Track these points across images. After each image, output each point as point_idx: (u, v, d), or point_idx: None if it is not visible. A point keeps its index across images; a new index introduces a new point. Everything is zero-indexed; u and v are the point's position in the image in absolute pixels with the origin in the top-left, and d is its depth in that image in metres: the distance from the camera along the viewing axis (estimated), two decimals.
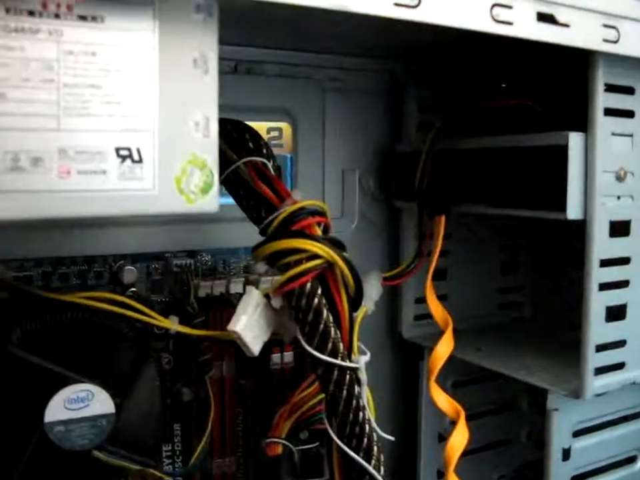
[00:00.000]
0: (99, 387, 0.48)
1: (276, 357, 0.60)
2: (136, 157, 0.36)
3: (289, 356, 0.61)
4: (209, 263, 0.61)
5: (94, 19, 0.35)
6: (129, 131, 0.36)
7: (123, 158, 0.36)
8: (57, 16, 0.34)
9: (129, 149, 0.36)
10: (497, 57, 0.63)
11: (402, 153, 0.69)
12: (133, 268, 0.57)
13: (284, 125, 0.65)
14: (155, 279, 0.59)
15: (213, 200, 0.38)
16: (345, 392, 0.46)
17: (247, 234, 0.49)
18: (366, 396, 0.48)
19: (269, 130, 0.64)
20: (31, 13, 0.34)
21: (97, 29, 0.35)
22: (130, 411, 0.50)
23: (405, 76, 0.71)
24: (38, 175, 0.34)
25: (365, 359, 0.49)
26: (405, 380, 0.75)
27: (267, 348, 0.58)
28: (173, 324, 0.51)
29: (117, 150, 0.36)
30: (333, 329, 0.46)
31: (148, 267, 0.59)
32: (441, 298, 0.69)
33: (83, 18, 0.35)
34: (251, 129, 0.52)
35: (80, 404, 0.47)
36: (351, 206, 0.71)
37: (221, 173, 0.50)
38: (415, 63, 0.70)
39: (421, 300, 0.68)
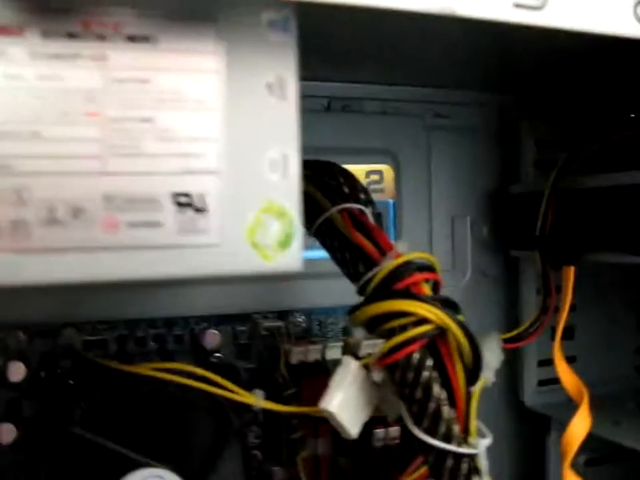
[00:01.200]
0: (171, 472, 0.41)
1: (379, 433, 0.52)
2: (198, 205, 0.29)
3: (394, 431, 0.52)
4: (303, 325, 0.54)
5: (145, 39, 0.29)
6: (189, 173, 0.29)
7: (182, 206, 0.29)
8: (101, 37, 0.28)
9: (189, 195, 0.29)
10: (623, 81, 0.55)
11: (518, 195, 0.60)
12: (216, 331, 0.51)
13: (385, 168, 0.58)
14: (241, 343, 0.52)
15: (295, 256, 0.31)
16: None
17: (347, 290, 0.42)
18: None
19: (368, 173, 0.57)
20: (71, 36, 0.28)
21: (150, 51, 0.29)
22: None
23: (518, 109, 0.62)
24: (79, 230, 0.28)
25: (485, 443, 0.40)
26: (528, 457, 0.65)
27: (370, 423, 0.51)
28: (257, 399, 0.44)
29: (175, 196, 0.29)
30: (446, 408, 0.39)
31: (234, 329, 0.52)
32: (569, 360, 0.60)
33: (132, 39, 0.29)
34: (345, 172, 0.45)
35: None
36: (462, 257, 0.62)
37: (312, 224, 0.45)
38: (528, 94, 0.61)
39: (546, 362, 0.60)
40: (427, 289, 0.40)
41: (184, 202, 0.29)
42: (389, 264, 0.40)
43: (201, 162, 0.29)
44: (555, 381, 0.53)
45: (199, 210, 0.29)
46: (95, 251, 0.28)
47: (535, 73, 0.55)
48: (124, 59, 0.29)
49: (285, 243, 0.30)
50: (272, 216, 0.30)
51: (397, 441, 0.53)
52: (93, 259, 0.28)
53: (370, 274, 0.40)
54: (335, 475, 0.53)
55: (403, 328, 0.38)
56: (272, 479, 0.51)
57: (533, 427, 0.64)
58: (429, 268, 0.40)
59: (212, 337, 0.50)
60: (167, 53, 0.29)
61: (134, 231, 0.29)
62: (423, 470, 0.49)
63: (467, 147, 0.62)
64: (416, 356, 0.38)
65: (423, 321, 0.38)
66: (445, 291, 0.55)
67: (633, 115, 0.64)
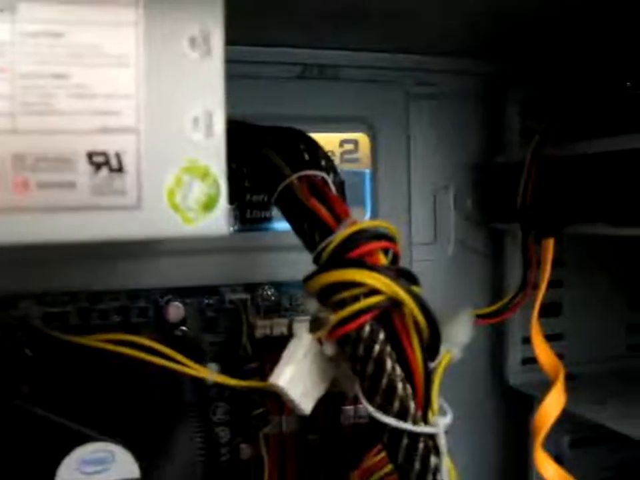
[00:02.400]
0: (121, 447, 0.40)
1: (348, 410, 0.50)
2: (114, 165, 0.28)
3: (364, 409, 0.50)
4: (272, 299, 0.52)
5: None
6: (106, 131, 0.28)
7: (98, 166, 0.28)
8: None
9: (105, 154, 0.28)
10: (617, 48, 0.52)
11: (502, 165, 0.58)
12: (180, 304, 0.49)
13: (360, 137, 0.56)
14: (209, 316, 0.51)
15: (219, 219, 0.29)
16: (417, 464, 0.37)
17: None
18: (447, 469, 0.38)
19: (342, 142, 0.55)
20: None
21: (63, 3, 0.27)
22: (161, 477, 0.41)
23: (503, 77, 0.60)
24: None
25: (444, 421, 0.39)
26: (511, 437, 0.63)
27: (339, 400, 0.50)
28: (210, 373, 0.42)
29: (90, 155, 0.28)
30: (400, 384, 0.37)
31: (200, 302, 0.51)
32: (555, 338, 0.59)
33: None
34: (307, 138, 0.44)
35: (98, 466, 0.40)
36: (444, 230, 0.61)
37: (273, 191, 0.43)
38: (513, 62, 0.59)
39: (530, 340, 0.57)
40: (383, 259, 0.38)
41: (99, 161, 0.28)
42: (343, 232, 0.38)
43: (118, 120, 0.28)
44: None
45: (115, 170, 0.28)
46: (5, 212, 0.27)
47: (521, 40, 0.53)
48: (35, 11, 0.27)
49: (208, 205, 0.29)
50: (194, 176, 0.28)
51: (367, 420, 0.51)
52: (3, 220, 0.27)
53: (324, 243, 0.39)
54: (303, 453, 0.52)
55: (355, 299, 0.37)
56: (239, 455, 0.50)
57: (517, 406, 0.62)
58: (386, 237, 0.38)
59: (176, 310, 0.49)
60: (82, 4, 0.28)
61: (46, 191, 0.27)
62: None
63: (450, 116, 0.60)
64: (367, 328, 0.36)
65: (374, 291, 0.36)
66: (426, 264, 0.53)
67: (628, 84, 0.61)
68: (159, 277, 0.50)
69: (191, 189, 0.29)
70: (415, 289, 0.37)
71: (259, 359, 0.49)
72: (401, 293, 0.36)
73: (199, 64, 0.29)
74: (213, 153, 0.29)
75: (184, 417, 0.45)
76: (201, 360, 0.45)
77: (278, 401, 0.48)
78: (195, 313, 0.51)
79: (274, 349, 0.48)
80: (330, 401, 0.48)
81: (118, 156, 0.28)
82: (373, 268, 0.37)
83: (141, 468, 0.41)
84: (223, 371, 0.45)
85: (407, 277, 0.37)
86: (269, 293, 0.52)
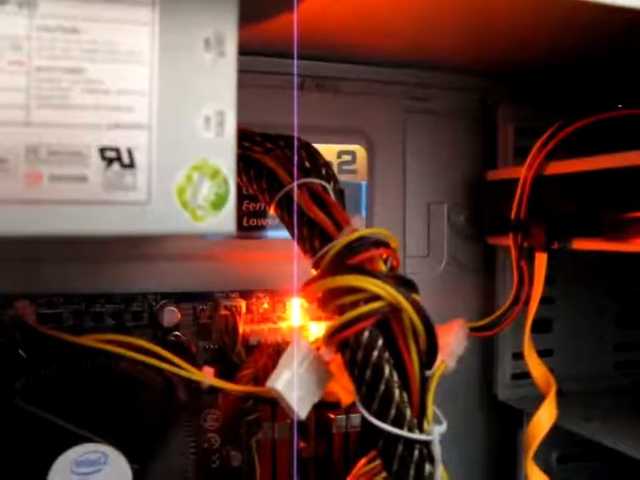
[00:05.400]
0: (114, 449, 0.40)
1: (340, 419, 0.51)
2: (126, 160, 0.28)
3: (355, 418, 0.51)
4: (265, 305, 0.52)
5: None
6: (118, 127, 0.28)
7: (110, 161, 0.28)
8: None
9: (117, 150, 0.28)
10: (612, 72, 0.53)
11: (496, 182, 0.58)
12: (174, 309, 0.49)
13: (358, 149, 0.56)
14: (202, 322, 0.51)
15: (228, 218, 0.29)
16: (412, 471, 0.37)
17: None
18: (441, 477, 0.38)
19: (340, 153, 0.56)
20: None
21: (81, 0, 0.28)
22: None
23: (499, 94, 0.61)
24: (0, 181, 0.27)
25: (440, 429, 0.39)
26: (500, 451, 0.63)
27: (329, 409, 0.50)
28: (205, 377, 0.42)
29: (102, 151, 0.28)
30: (397, 391, 0.37)
31: (195, 308, 0.51)
32: (545, 353, 0.59)
33: None
34: (308, 146, 0.44)
35: (90, 467, 0.40)
36: (438, 244, 0.61)
37: (272, 198, 0.44)
38: (508, 79, 0.60)
39: (520, 356, 0.57)
40: (382, 266, 0.39)
41: (111, 157, 0.28)
42: (343, 239, 0.38)
43: (131, 116, 0.28)
44: (529, 374, 0.51)
45: (126, 165, 0.28)
46: (17, 203, 0.27)
47: (517, 57, 0.54)
48: (53, 7, 0.27)
49: (216, 204, 0.29)
50: (204, 175, 0.29)
51: (358, 429, 0.51)
52: (14, 212, 0.27)
53: (325, 249, 0.39)
54: (293, 460, 0.52)
55: (355, 305, 0.37)
56: (229, 462, 0.50)
57: (506, 420, 0.62)
58: (385, 244, 0.39)
59: (170, 314, 0.49)
60: (99, 2, 0.28)
61: (58, 184, 0.27)
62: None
63: (446, 132, 0.60)
64: (366, 334, 0.37)
65: (374, 298, 0.37)
66: (418, 278, 0.54)
67: (620, 106, 0.62)
68: (154, 281, 0.50)
69: (201, 187, 0.29)
70: (414, 296, 0.37)
71: (252, 365, 0.48)
72: (401, 300, 0.36)
73: (212, 65, 0.29)
74: (223, 152, 0.29)
75: (176, 421, 0.45)
76: (193, 365, 0.45)
77: (271, 407, 0.48)
78: (189, 318, 0.50)
79: (268, 355, 0.48)
80: (321, 409, 0.49)
81: (130, 152, 0.28)
82: (374, 274, 0.37)
83: (133, 471, 0.41)
84: (217, 376, 0.45)
85: (406, 285, 0.38)
86: (264, 300, 0.52)
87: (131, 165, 0.28)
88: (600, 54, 0.52)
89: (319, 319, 0.49)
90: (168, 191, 0.28)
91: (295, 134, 0.44)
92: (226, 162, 0.29)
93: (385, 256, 0.39)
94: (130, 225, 0.28)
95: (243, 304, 0.51)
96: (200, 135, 0.29)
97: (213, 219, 0.29)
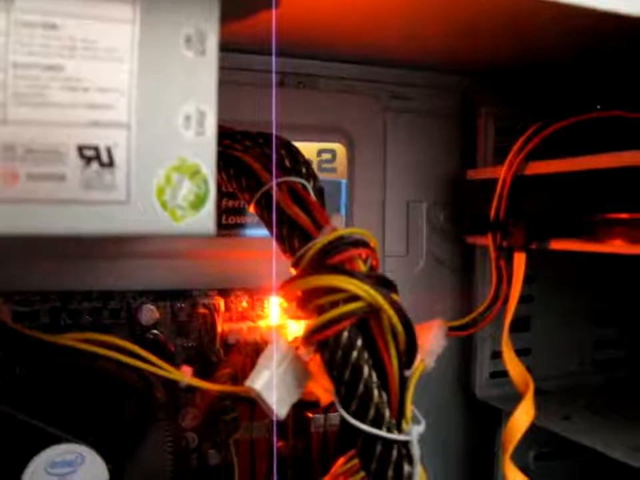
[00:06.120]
0: (90, 449, 0.39)
1: (318, 419, 0.50)
2: (105, 159, 0.28)
3: (333, 417, 0.51)
4: (243, 304, 0.52)
5: None
6: (97, 125, 0.28)
7: (88, 160, 0.28)
8: None
9: (96, 148, 0.28)
10: (592, 73, 0.53)
11: (476, 181, 0.58)
12: (152, 307, 0.49)
13: (338, 147, 0.56)
14: (180, 320, 0.51)
15: (207, 218, 0.29)
16: (390, 471, 0.37)
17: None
18: (419, 477, 0.38)
19: (320, 152, 0.56)
20: None
21: None
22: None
23: (479, 93, 0.61)
24: None
25: (418, 429, 0.39)
26: (478, 450, 0.63)
27: (308, 408, 0.50)
28: (183, 375, 0.42)
29: (81, 149, 0.27)
30: (376, 391, 0.37)
31: (173, 306, 0.50)
32: (524, 352, 0.60)
33: None
34: (288, 144, 0.44)
35: (65, 468, 0.39)
36: (417, 243, 0.61)
37: (252, 197, 0.43)
38: (489, 79, 0.60)
39: (499, 354, 0.57)
40: (362, 266, 0.39)
41: (90, 155, 0.28)
42: (322, 238, 0.38)
43: (110, 114, 0.28)
44: (507, 373, 0.51)
45: (105, 164, 0.28)
46: None
47: (498, 56, 0.54)
48: (31, 2, 0.27)
49: (196, 205, 0.29)
50: (183, 175, 0.28)
51: (337, 428, 0.51)
52: None
53: (304, 249, 0.39)
54: (272, 460, 0.51)
55: (334, 305, 0.37)
56: (207, 462, 0.50)
57: (485, 419, 0.62)
58: (364, 244, 0.39)
59: (148, 313, 0.48)
60: None
61: (35, 183, 0.27)
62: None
63: (426, 131, 0.61)
64: (345, 335, 0.37)
65: (353, 298, 0.37)
66: (397, 277, 0.54)
67: (598, 107, 0.63)
68: (132, 279, 0.50)
69: (180, 187, 0.29)
70: (393, 296, 0.37)
71: (231, 364, 0.48)
72: (381, 300, 0.36)
73: (193, 63, 0.29)
74: (203, 152, 0.29)
75: (154, 420, 0.44)
76: (171, 364, 0.45)
77: (249, 406, 0.48)
78: (167, 316, 0.50)
79: (246, 354, 0.48)
80: (299, 408, 0.48)
81: (109, 150, 0.28)
82: (353, 274, 0.37)
83: (110, 471, 0.41)
84: (195, 375, 0.45)
85: (385, 285, 0.38)
86: (242, 298, 0.52)
87: (110, 164, 0.28)
88: (581, 55, 0.52)
89: (297, 317, 0.49)
90: (147, 191, 0.28)
91: (274, 132, 0.44)
92: (206, 162, 0.29)
93: (364, 256, 0.39)
94: (109, 225, 0.28)
95: (221, 302, 0.51)
96: (180, 134, 0.29)
97: (192, 220, 0.29)
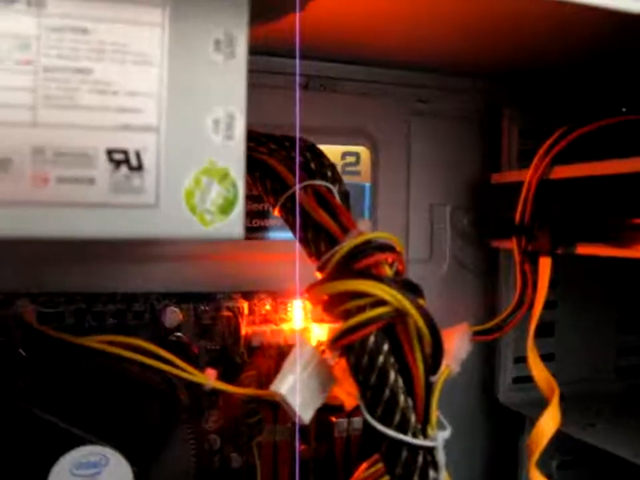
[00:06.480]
0: (114, 451, 0.39)
1: (341, 423, 0.50)
2: (134, 163, 0.28)
3: (357, 422, 0.50)
4: (267, 307, 0.52)
5: None
6: (127, 129, 0.28)
7: (117, 163, 0.28)
8: None
9: (125, 152, 0.28)
10: (617, 75, 0.53)
11: (500, 185, 0.58)
12: (176, 309, 0.49)
13: (362, 150, 0.56)
14: (204, 323, 0.50)
15: (236, 222, 0.29)
16: (416, 477, 0.36)
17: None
18: None
19: (344, 155, 0.55)
20: None
21: (90, 0, 0.27)
22: None
23: (504, 96, 0.60)
24: (6, 182, 0.26)
25: (444, 435, 0.38)
26: (501, 456, 0.63)
27: (331, 412, 0.50)
28: (207, 378, 0.42)
29: (110, 153, 0.27)
30: (402, 396, 0.37)
31: (196, 309, 0.50)
32: (547, 358, 0.59)
33: None
34: (313, 147, 0.44)
35: (91, 470, 0.39)
36: (440, 247, 0.61)
37: (277, 200, 0.43)
38: (514, 82, 0.59)
39: (522, 359, 0.57)
40: (388, 271, 0.38)
41: (119, 159, 0.28)
42: (349, 242, 0.38)
43: (139, 118, 0.28)
44: (531, 379, 0.51)
45: (134, 168, 0.28)
46: (23, 205, 0.27)
47: (522, 59, 0.54)
48: (62, 6, 0.27)
49: (225, 209, 0.29)
50: (213, 179, 0.28)
51: (360, 432, 0.51)
52: (20, 214, 0.27)
53: (330, 252, 0.39)
54: (294, 464, 0.51)
55: (361, 309, 0.37)
56: (229, 464, 0.50)
57: (508, 425, 0.62)
58: (391, 248, 0.39)
59: (172, 315, 0.48)
60: (109, 2, 0.27)
61: (65, 186, 0.27)
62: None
63: (450, 134, 0.60)
64: (372, 339, 0.36)
65: (380, 302, 0.36)
66: (421, 281, 0.53)
67: (624, 109, 0.62)
68: (156, 281, 0.50)
69: (209, 191, 0.29)
70: (420, 301, 0.37)
71: (255, 367, 0.48)
72: (407, 305, 0.36)
73: (222, 67, 0.29)
74: (232, 155, 0.29)
75: (177, 423, 0.44)
76: (195, 366, 0.45)
77: (272, 409, 0.48)
78: (190, 319, 0.50)
79: (270, 357, 0.48)
80: (323, 412, 0.48)
81: (138, 154, 0.28)
82: (380, 279, 0.37)
83: (134, 473, 0.41)
84: (219, 378, 0.45)
85: (412, 289, 0.37)
86: (266, 301, 0.52)
87: (139, 168, 0.28)
88: (606, 57, 0.51)
89: (322, 321, 0.49)
90: (176, 195, 0.28)
91: (297, 134, 0.44)
92: (235, 165, 0.29)
93: (390, 260, 0.39)
94: (137, 229, 0.28)
95: (245, 305, 0.51)
96: (209, 138, 0.29)
97: (220, 224, 0.29)
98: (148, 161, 0.28)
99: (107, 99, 0.27)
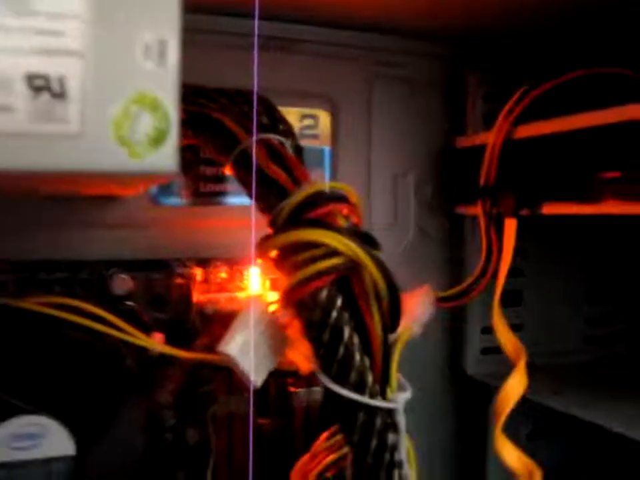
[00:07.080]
0: (55, 421, 0.37)
1: (301, 393, 0.48)
2: (57, 90, 0.25)
3: (316, 392, 0.49)
4: (222, 274, 0.50)
5: None
6: (48, 52, 0.25)
7: (38, 90, 0.25)
8: None
9: (46, 78, 0.25)
10: (579, 35, 0.52)
11: (465, 149, 0.56)
12: (126, 276, 0.46)
13: (321, 113, 0.54)
14: (156, 291, 0.48)
15: (169, 155, 0.27)
16: (374, 441, 0.35)
17: None
18: (405, 447, 0.36)
19: (302, 117, 0.53)
20: None
21: None
22: (97, 455, 0.38)
23: (467, 60, 0.58)
24: None
25: (404, 396, 0.37)
26: (468, 427, 0.61)
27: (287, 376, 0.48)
28: (153, 343, 0.40)
29: (29, 78, 0.25)
30: (358, 355, 0.35)
31: (148, 276, 0.48)
32: (516, 328, 0.57)
33: None
34: (265, 101, 0.42)
35: (29, 441, 0.37)
36: (404, 215, 0.59)
37: (228, 155, 0.41)
38: (476, 46, 0.58)
39: (490, 330, 0.55)
40: (342, 222, 0.36)
41: (40, 85, 0.25)
42: (300, 192, 0.36)
43: (62, 41, 0.25)
44: (499, 349, 0.49)
45: (57, 95, 0.25)
46: None
47: (485, 22, 0.52)
48: None
49: (156, 140, 0.26)
50: (143, 108, 0.26)
51: (320, 403, 0.49)
52: None
53: (282, 204, 0.37)
54: (253, 437, 0.49)
55: (313, 261, 0.35)
56: (185, 439, 0.47)
57: (475, 396, 0.60)
58: (345, 199, 0.37)
59: (121, 282, 0.46)
60: None
61: None
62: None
63: (413, 99, 0.58)
64: (324, 293, 0.35)
65: (333, 253, 0.34)
66: (384, 251, 0.51)
67: None
68: (105, 248, 0.47)
69: (140, 121, 0.26)
70: (375, 252, 0.35)
71: (208, 335, 0.46)
72: (362, 255, 0.34)
73: None
74: (165, 83, 0.27)
75: (126, 393, 0.42)
76: (146, 334, 0.42)
77: (227, 379, 0.46)
78: (141, 287, 0.48)
79: (224, 325, 0.46)
80: (281, 381, 0.46)
81: (61, 80, 0.25)
82: (332, 228, 0.35)
83: (77, 444, 0.38)
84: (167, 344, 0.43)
85: (367, 240, 0.36)
86: (221, 269, 0.50)
87: (62, 95, 0.25)
88: (567, 16, 0.50)
89: (276, 279, 0.47)
90: (103, 125, 0.26)
91: (255, 93, 0.42)
92: (167, 94, 0.27)
93: (345, 212, 0.37)
94: (60, 160, 0.26)
95: (199, 272, 0.48)
96: (139, 65, 0.26)
97: (152, 157, 0.26)
98: (72, 88, 0.26)
99: (24, 20, 0.25)
